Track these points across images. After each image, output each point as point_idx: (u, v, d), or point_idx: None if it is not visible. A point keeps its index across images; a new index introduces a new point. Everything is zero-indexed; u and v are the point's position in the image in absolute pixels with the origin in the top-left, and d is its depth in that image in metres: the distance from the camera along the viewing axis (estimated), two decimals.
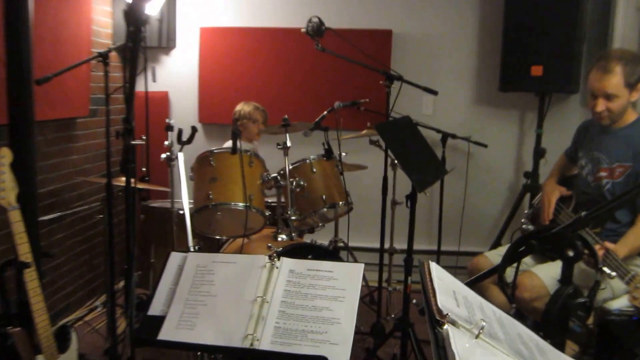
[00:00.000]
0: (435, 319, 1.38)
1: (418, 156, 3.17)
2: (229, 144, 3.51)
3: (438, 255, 4.30)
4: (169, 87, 5.21)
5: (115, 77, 4.80)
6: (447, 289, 1.53)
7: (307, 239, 3.82)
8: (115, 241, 3.44)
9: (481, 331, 1.39)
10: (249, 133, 4.46)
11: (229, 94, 5.05)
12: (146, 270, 3.86)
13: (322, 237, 4.13)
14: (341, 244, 4.31)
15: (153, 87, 5.16)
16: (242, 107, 4.43)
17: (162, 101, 5.18)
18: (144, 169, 3.78)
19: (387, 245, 4.20)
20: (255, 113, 4.44)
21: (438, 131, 4.59)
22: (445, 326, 1.36)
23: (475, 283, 2.05)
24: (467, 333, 1.39)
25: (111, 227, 3.04)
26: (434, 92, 3.76)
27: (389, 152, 3.67)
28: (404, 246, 3.23)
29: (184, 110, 5.20)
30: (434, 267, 1.58)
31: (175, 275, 2.32)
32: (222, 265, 2.29)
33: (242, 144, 3.36)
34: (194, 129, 3.22)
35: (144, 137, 3.05)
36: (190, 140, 3.22)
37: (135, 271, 3.08)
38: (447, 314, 1.39)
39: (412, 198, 3.08)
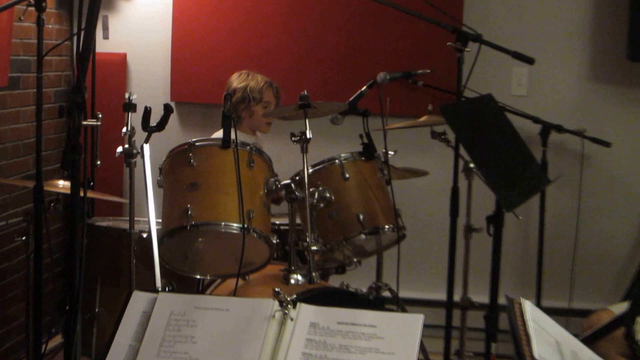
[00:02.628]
0: None
1: (506, 157, 3.17)
2: (218, 134, 3.53)
3: None
4: (127, 48, 5.24)
5: (50, 31, 4.84)
6: (548, 338, 1.56)
7: (335, 282, 3.81)
8: (44, 278, 3.44)
9: None
10: (255, 121, 4.49)
11: (217, 61, 5.08)
12: (87, 325, 3.89)
13: (358, 281, 4.12)
14: (387, 293, 4.29)
15: (104, 47, 5.19)
16: (244, 81, 4.46)
17: (116, 68, 5.22)
18: (99, 163, 3.83)
19: (457, 297, 4.18)
20: (267, 91, 4.46)
21: (536, 120, 4.57)
22: None
23: (594, 340, 2.05)
24: None
25: (39, 256, 3.05)
26: (529, 61, 3.74)
27: (462, 151, 3.66)
28: (485, 298, 3.21)
29: (150, 81, 5.24)
30: (528, 306, 1.60)
31: (138, 326, 2.33)
32: (208, 314, 2.30)
33: (240, 135, 3.36)
34: (167, 109, 3.23)
35: (100, 116, 3.08)
36: (162, 125, 3.24)
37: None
38: None
39: (496, 222, 3.07)
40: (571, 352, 1.59)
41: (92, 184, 4.46)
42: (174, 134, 5.05)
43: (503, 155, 3.17)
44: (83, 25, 2.27)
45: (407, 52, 4.95)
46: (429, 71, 4.30)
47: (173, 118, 5.08)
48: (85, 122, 2.35)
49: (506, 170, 3.10)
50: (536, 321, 1.57)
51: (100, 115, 3.02)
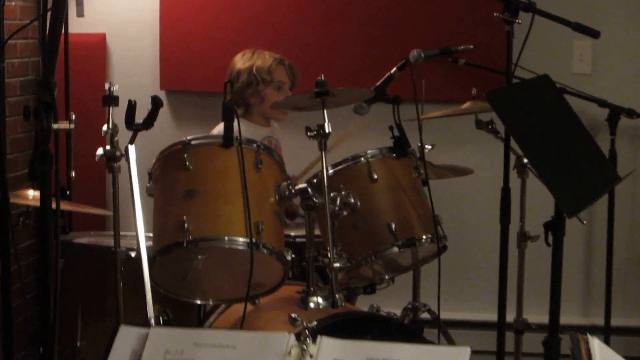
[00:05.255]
0: None
1: (566, 150, 3.17)
2: (218, 130, 3.53)
3: (606, 334, 4.35)
4: (107, 27, 5.26)
5: (13, 9, 4.77)
6: None
7: (363, 304, 3.83)
8: (14, 306, 3.45)
9: None
10: (266, 108, 4.45)
11: (215, 40, 5.09)
12: None
13: (391, 302, 4.14)
14: (425, 315, 4.32)
15: (78, 27, 5.16)
16: (249, 60, 4.47)
17: (94, 52, 5.24)
18: (73, 175, 3.87)
19: (510, 318, 4.19)
20: (278, 69, 4.46)
21: (602, 104, 4.57)
22: None
23: None
24: None
25: (7, 280, 3.06)
26: (593, 33, 3.75)
27: (513, 144, 3.66)
28: (543, 318, 3.22)
29: (135, 67, 5.26)
30: (597, 346, 1.66)
31: None
32: (211, 353, 2.31)
33: (251, 128, 3.35)
34: (156, 102, 3.24)
35: (73, 117, 3.08)
36: (149, 122, 3.25)
37: None
38: None
39: (556, 229, 3.07)
40: None
41: (68, 193, 4.46)
42: (165, 131, 5.04)
43: (563, 148, 3.17)
44: (50, 4, 2.24)
45: (446, 25, 4.93)
46: (472, 47, 4.31)
47: (164, 111, 5.07)
48: (55, 126, 2.33)
49: (567, 167, 3.10)
50: None
51: (73, 117, 3.01)
